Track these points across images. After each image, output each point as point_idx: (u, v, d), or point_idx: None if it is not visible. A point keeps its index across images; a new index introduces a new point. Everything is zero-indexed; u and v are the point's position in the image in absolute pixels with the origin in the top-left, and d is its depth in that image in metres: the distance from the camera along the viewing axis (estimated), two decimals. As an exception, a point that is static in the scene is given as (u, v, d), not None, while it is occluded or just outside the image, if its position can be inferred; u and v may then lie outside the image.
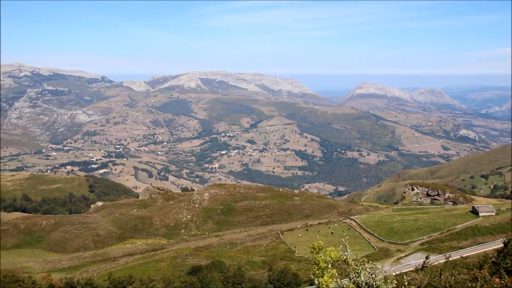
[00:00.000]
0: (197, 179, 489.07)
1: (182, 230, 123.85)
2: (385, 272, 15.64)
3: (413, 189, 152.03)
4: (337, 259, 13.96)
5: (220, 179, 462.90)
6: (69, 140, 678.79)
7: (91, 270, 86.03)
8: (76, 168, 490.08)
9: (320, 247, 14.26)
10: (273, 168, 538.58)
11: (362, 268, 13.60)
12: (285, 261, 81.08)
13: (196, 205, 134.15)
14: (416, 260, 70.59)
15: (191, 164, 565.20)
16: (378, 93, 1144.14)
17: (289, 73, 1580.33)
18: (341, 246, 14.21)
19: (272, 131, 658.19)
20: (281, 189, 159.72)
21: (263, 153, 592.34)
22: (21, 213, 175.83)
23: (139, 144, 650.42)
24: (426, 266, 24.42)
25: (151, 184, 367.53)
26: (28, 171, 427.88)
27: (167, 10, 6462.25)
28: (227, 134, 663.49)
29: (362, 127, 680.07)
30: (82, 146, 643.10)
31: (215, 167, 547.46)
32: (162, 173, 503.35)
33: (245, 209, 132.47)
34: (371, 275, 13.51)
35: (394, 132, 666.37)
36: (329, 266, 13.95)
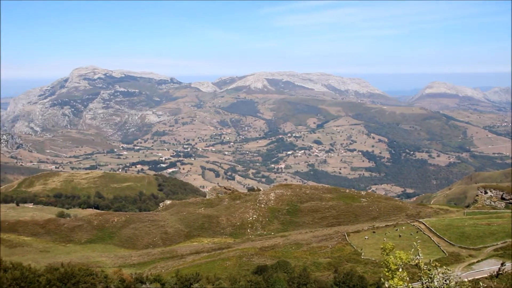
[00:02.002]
0: (263, 179, 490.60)
1: (248, 230, 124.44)
2: (459, 277, 14.87)
3: (486, 192, 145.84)
4: (407, 262, 13.37)
5: (286, 180, 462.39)
6: (139, 140, 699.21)
7: (160, 267, 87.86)
8: (146, 167, 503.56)
9: (391, 249, 13.72)
10: (340, 169, 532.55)
11: (435, 272, 12.95)
12: (351, 263, 79.79)
13: (262, 205, 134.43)
14: (489, 266, 67.65)
15: (257, 164, 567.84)
16: (449, 93, 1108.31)
17: (356, 73, 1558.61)
18: (412, 249, 13.58)
19: (339, 132, 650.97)
20: (347, 190, 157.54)
21: (330, 153, 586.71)
22: (95, 209, 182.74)
23: (206, 144, 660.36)
24: (501, 273, 23.16)
25: (218, 183, 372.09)
26: (101, 169, 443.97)
27: (234, 11, 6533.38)
28: (294, 135, 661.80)
29: (431, 128, 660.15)
30: (152, 146, 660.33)
31: (281, 168, 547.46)
32: (229, 173, 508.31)
33: (311, 209, 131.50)
34: (445, 280, 12.85)
35: (466, 133, 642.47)
36: (400, 269, 13.38)
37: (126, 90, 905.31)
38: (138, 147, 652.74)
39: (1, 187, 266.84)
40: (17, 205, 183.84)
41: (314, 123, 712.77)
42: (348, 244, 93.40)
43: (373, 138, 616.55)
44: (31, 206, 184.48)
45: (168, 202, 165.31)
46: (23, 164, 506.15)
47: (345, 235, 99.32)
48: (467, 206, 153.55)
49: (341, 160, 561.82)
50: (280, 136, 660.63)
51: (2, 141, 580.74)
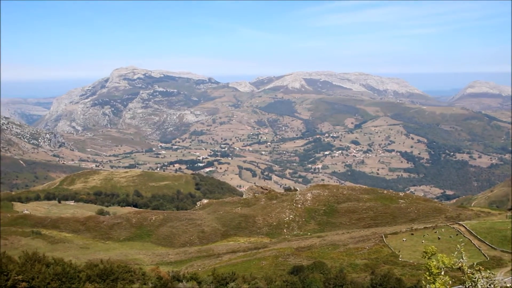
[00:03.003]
0: (300, 179, 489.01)
1: (284, 230, 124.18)
2: (504, 282, 14.38)
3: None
4: (450, 265, 12.99)
5: (323, 180, 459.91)
6: (177, 139, 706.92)
7: (196, 265, 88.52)
8: (183, 166, 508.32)
9: (433, 252, 13.37)
10: (377, 170, 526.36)
11: (478, 276, 12.55)
12: (389, 265, 78.71)
13: (299, 205, 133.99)
14: (532, 271, 65.72)
15: (294, 164, 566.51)
16: (491, 92, 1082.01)
17: (395, 72, 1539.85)
18: (455, 252, 13.18)
19: (377, 132, 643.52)
20: (385, 191, 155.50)
21: (367, 154, 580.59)
22: (133, 208, 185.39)
23: (243, 143, 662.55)
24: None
25: (254, 183, 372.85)
26: (140, 168, 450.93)
27: (274, 11, 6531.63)
28: (331, 135, 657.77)
29: (473, 128, 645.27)
30: (190, 145, 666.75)
31: (318, 168, 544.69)
32: (266, 173, 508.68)
33: (348, 210, 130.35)
34: (489, 284, 12.43)
35: (509, 134, 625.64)
36: (442, 273, 13.01)
37: (165, 90, 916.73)
38: (176, 146, 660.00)
39: (45, 184, 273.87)
40: (59, 202, 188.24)
41: (352, 123, 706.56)
42: (386, 245, 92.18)
43: (412, 138, 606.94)
44: (72, 204, 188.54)
45: (205, 201, 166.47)
46: (64, 162, 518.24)
47: (382, 237, 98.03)
48: (510, 209, 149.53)
49: (379, 160, 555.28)
50: (318, 136, 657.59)
51: (45, 139, 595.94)
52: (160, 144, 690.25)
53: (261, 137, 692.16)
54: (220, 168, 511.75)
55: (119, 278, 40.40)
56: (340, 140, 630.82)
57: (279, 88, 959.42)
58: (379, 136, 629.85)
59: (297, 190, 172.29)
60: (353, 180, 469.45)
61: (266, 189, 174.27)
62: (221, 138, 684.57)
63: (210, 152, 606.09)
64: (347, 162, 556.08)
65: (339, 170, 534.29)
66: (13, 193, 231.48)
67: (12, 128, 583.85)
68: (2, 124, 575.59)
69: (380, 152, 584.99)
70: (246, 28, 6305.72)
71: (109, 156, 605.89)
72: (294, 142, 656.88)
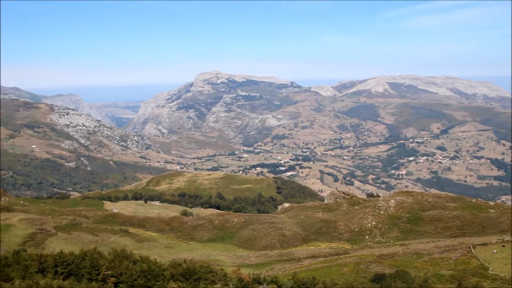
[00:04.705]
0: (383, 185, 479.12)
1: (366, 236, 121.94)
2: None
3: None
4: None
5: (407, 186, 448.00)
6: (259, 143, 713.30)
7: (277, 269, 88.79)
8: (265, 170, 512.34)
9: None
10: (465, 177, 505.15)
11: None
12: (477, 278, 75.25)
13: (381, 212, 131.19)
14: None
15: (377, 169, 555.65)
16: None
17: (485, 75, 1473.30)
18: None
19: (465, 138, 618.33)
20: (473, 200, 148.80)
21: (454, 160, 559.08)
22: (215, 209, 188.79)
23: (325, 148, 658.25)
24: None
25: (336, 188, 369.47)
26: (222, 171, 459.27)
27: (357, 14, 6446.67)
28: (415, 140, 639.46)
29: None
30: (271, 149, 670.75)
31: (402, 174, 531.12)
32: (348, 178, 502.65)
33: (433, 218, 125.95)
34: None
35: None
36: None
37: (247, 94, 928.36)
38: (258, 150, 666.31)
39: (132, 185, 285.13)
40: (145, 202, 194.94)
41: (438, 128, 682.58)
42: (474, 257, 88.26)
43: (503, 145, 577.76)
44: (158, 204, 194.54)
45: (286, 205, 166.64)
46: (151, 164, 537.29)
47: (470, 247, 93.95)
48: None
49: (466, 167, 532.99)
50: (401, 142, 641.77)
51: (133, 142, 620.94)
52: (243, 147, 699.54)
53: (343, 142, 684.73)
54: (302, 173, 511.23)
55: (201, 278, 41.41)
56: (425, 146, 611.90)
57: (362, 92, 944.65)
58: (467, 142, 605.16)
59: (380, 196, 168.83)
60: (438, 188, 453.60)
61: (348, 195, 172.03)
62: (303, 142, 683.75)
63: (292, 156, 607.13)
64: (432, 168, 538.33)
65: (424, 177, 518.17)
66: (103, 192, 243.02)
67: (103, 130, 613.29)
68: (95, 127, 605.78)
69: (468, 158, 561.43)
70: (329, 32, 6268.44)
71: (193, 158, 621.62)
72: (377, 147, 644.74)
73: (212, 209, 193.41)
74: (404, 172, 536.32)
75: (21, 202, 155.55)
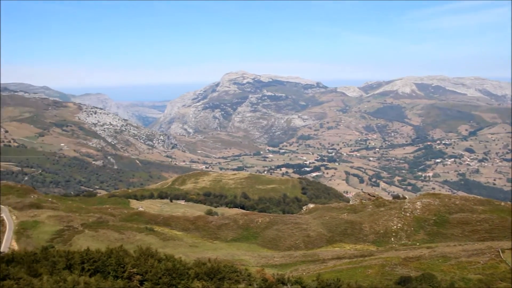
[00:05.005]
0: (409, 187, 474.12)
1: (392, 238, 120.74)
2: None
3: None
4: None
5: (433, 189, 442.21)
6: (284, 143, 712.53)
7: (301, 269, 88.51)
8: (290, 170, 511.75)
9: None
10: (494, 180, 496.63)
11: None
12: (506, 283, 73.86)
13: (407, 214, 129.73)
14: None
15: (403, 171, 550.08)
16: None
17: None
18: None
19: (494, 140, 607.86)
20: (502, 203, 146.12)
21: (483, 163, 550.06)
22: (240, 209, 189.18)
23: (351, 149, 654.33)
24: None
25: (361, 189, 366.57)
26: (247, 171, 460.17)
27: (384, 14, 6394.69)
28: (443, 142, 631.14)
29: None
30: (297, 149, 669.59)
31: (428, 176, 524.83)
32: (373, 179, 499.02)
33: (460, 221, 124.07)
34: None
35: None
36: None
37: (273, 94, 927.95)
38: (283, 150, 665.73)
39: (158, 184, 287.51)
40: (171, 201, 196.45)
41: (466, 130, 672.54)
42: (503, 261, 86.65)
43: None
44: (183, 203, 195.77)
45: (311, 205, 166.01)
46: (176, 163, 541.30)
47: (499, 251, 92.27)
48: None
49: (495, 170, 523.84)
50: (429, 143, 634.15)
51: (159, 141, 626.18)
52: (268, 147, 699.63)
53: (369, 143, 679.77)
54: (327, 173, 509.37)
55: (225, 278, 41.50)
56: (453, 148, 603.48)
57: (389, 93, 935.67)
58: (496, 144, 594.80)
59: (406, 198, 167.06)
60: (466, 190, 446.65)
61: (374, 196, 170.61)
62: (328, 143, 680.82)
63: (317, 157, 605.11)
64: (460, 170, 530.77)
65: (451, 179, 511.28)
66: (129, 190, 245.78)
67: (130, 129, 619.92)
68: (121, 126, 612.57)
69: (497, 161, 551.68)
70: (356, 32, 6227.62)
71: (218, 158, 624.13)
72: (404, 148, 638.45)
73: (236, 208, 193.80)
74: (431, 174, 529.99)
75: (50, 199, 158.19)
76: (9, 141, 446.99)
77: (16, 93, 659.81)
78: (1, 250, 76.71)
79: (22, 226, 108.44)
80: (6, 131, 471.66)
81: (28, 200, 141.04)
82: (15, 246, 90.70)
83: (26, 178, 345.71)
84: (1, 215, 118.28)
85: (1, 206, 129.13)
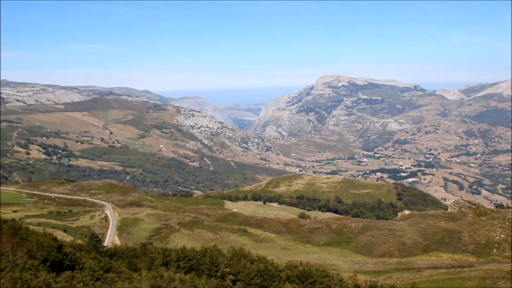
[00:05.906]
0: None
1: (494, 250, 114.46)
2: None
3: None
4: None
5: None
6: (380, 147, 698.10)
7: (394, 277, 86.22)
8: (385, 175, 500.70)
9: None
10: None
11: None
12: None
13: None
14: None
15: (508, 179, 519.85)
16: None
17: None
18: None
19: None
20: None
21: None
22: (333, 213, 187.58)
23: (450, 154, 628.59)
24: None
25: (461, 197, 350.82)
26: (341, 175, 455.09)
27: (482, 14, 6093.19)
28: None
29: None
30: (392, 154, 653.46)
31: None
32: (474, 187, 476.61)
33: None
34: None
35: None
36: None
37: (368, 97, 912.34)
38: (378, 155, 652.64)
39: (252, 186, 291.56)
40: (264, 203, 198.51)
41: None
42: None
43: None
44: (276, 205, 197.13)
45: (406, 212, 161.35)
46: (270, 166, 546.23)
47: None
48: None
49: None
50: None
51: (254, 143, 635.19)
52: (362, 151, 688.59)
53: (470, 148, 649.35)
54: (424, 179, 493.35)
55: (317, 282, 41.28)
56: None
57: (492, 96, 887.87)
58: None
59: (510, 207, 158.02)
60: None
61: (474, 204, 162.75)
62: (426, 148, 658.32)
63: (414, 162, 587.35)
64: None
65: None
66: (224, 192, 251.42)
67: (226, 132, 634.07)
68: (217, 128, 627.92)
69: None
70: (455, 32, 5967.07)
71: (312, 161, 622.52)
72: (509, 155, 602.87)
73: (329, 213, 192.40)
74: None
75: (149, 198, 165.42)
76: (113, 142, 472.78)
77: (120, 97, 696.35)
78: (105, 244, 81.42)
79: (123, 223, 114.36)
80: (111, 133, 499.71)
81: (129, 198, 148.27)
82: (117, 241, 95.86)
83: (128, 177, 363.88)
84: (106, 212, 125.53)
85: (106, 203, 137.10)
